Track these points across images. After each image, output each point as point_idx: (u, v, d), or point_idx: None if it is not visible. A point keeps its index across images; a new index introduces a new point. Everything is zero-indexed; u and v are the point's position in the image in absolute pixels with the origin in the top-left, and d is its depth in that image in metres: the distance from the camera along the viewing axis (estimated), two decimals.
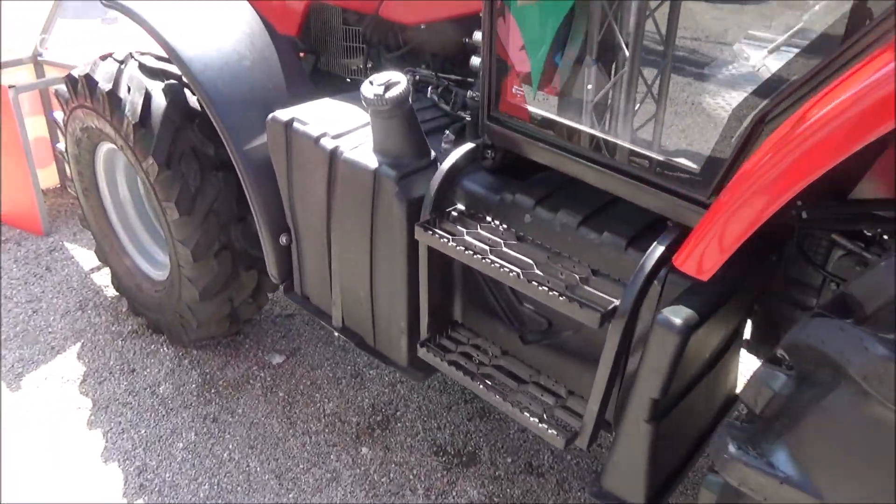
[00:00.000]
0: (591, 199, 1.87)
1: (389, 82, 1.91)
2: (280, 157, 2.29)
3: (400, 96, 1.91)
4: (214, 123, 2.40)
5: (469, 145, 2.01)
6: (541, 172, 2.05)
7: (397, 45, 2.80)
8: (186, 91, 2.68)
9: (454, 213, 1.98)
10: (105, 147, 3.01)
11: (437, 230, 1.89)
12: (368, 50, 2.86)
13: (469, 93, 2.25)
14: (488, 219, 1.95)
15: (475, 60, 2.38)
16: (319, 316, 2.49)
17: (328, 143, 2.12)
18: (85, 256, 3.82)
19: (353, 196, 2.09)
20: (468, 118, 2.25)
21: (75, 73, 2.82)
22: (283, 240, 2.49)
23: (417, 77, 2.51)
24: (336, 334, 2.72)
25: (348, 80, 2.94)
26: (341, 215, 2.16)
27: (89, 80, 2.71)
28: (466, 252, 1.81)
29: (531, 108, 1.85)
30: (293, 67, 2.61)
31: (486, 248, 1.82)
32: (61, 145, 3.29)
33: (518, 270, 1.73)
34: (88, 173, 3.15)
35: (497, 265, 1.76)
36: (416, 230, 1.91)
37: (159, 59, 2.79)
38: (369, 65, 2.81)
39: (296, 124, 2.21)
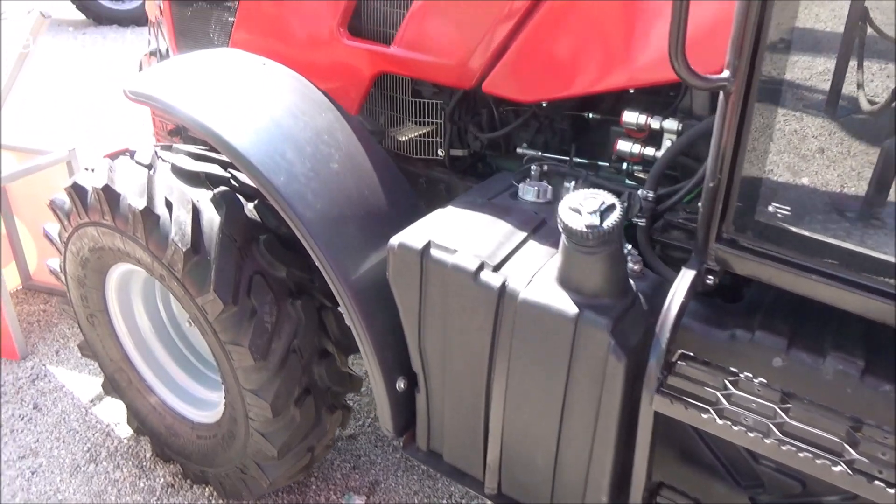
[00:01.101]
0: (852, 333, 1.48)
1: (603, 207, 1.43)
2: (409, 290, 1.76)
3: (619, 226, 1.43)
4: (309, 249, 1.84)
5: (689, 274, 1.55)
6: (747, 286, 1.65)
7: (493, 124, 2.32)
8: (240, 196, 2.12)
9: (682, 364, 1.52)
10: (121, 268, 2.38)
11: (686, 398, 1.43)
12: (452, 128, 2.36)
13: (643, 192, 1.79)
14: (731, 368, 1.50)
15: (626, 146, 1.94)
16: (456, 477, 1.97)
17: (493, 279, 1.61)
18: (77, 382, 3.12)
19: (538, 346, 1.60)
20: (641, 222, 1.80)
21: (84, 182, 2.19)
22: (400, 385, 1.95)
23: (545, 167, 2.04)
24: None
25: (414, 156, 2.44)
26: (515, 367, 1.66)
27: (109, 193, 2.09)
28: (743, 431, 1.36)
29: (790, 227, 1.41)
30: (382, 161, 2.08)
31: (767, 422, 1.38)
32: (54, 263, 2.61)
33: (842, 465, 1.29)
34: (96, 297, 2.50)
35: (802, 453, 1.31)
36: (656, 400, 1.44)
37: (197, 155, 2.20)
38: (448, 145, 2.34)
39: (436, 252, 1.69)
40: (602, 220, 1.42)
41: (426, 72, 2.21)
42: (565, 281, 1.56)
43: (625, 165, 2.03)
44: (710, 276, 1.57)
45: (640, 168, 2.01)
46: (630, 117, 1.90)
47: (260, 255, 2.05)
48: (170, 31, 2.97)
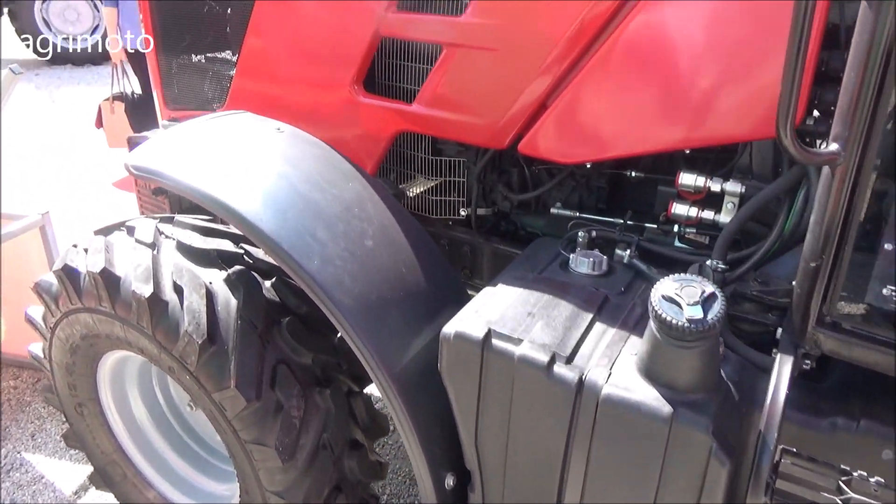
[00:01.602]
0: None
1: (704, 297, 1.28)
2: (466, 384, 1.57)
3: (723, 318, 1.28)
4: (349, 340, 1.63)
5: (787, 361, 1.41)
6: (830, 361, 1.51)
7: (524, 183, 2.17)
8: (256, 274, 1.91)
9: (787, 462, 1.37)
10: (116, 355, 2.13)
11: None
12: (480, 188, 2.21)
13: (712, 262, 1.65)
14: (842, 466, 1.35)
15: (682, 208, 1.81)
16: None
17: (568, 373, 1.44)
18: (59, 472, 2.81)
19: (623, 447, 1.42)
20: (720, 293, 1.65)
21: (76, 264, 1.95)
22: (449, 482, 1.75)
23: (594, 233, 1.89)
24: None
25: (433, 216, 2.28)
26: (595, 469, 1.48)
27: (108, 277, 1.86)
28: None
29: None
30: (416, 232, 1.90)
31: None
32: (37, 349, 2.34)
33: None
34: (85, 386, 2.24)
35: None
36: None
37: (206, 229, 1.98)
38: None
39: (499, 342, 1.51)
40: (705, 313, 1.26)
41: (453, 131, 2.05)
42: (653, 374, 1.39)
43: (676, 227, 1.90)
44: (807, 361, 1.43)
45: (693, 231, 1.89)
46: (687, 179, 1.77)
47: (283, 341, 1.84)
48: (156, 81, 2.75)
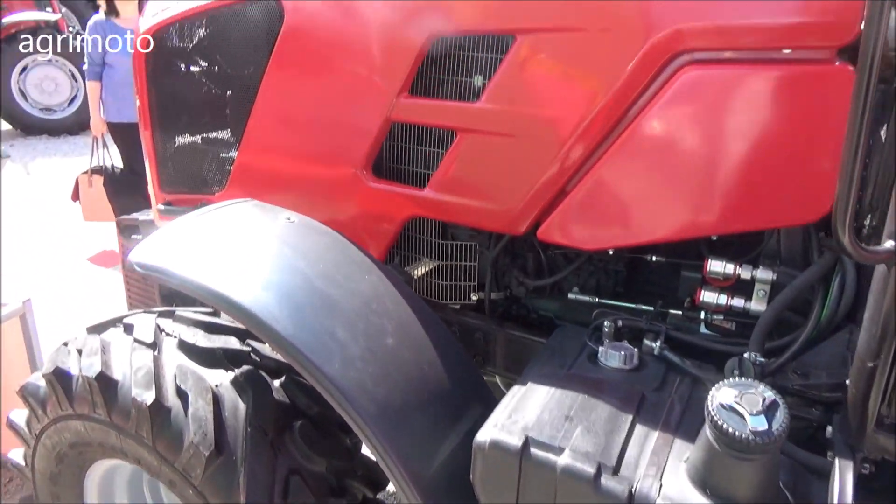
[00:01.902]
0: None
1: (766, 405, 1.20)
2: (503, 495, 1.46)
3: (787, 427, 1.20)
4: (371, 448, 1.51)
5: (846, 467, 1.33)
6: None
7: (540, 268, 2.11)
8: (264, 373, 1.79)
9: None
10: (106, 464, 1.97)
11: None
12: (494, 275, 2.13)
13: (751, 355, 1.59)
14: None
15: (712, 296, 1.75)
16: None
17: (616, 486, 1.33)
18: None
19: None
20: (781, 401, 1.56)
21: (68, 367, 1.81)
22: None
23: (620, 322, 1.81)
24: None
25: (442, 301, 2.19)
26: None
27: (105, 383, 1.72)
28: None
29: None
30: (434, 325, 1.81)
31: None
32: (17, 456, 2.16)
33: None
34: (71, 495, 2.06)
35: None
36: None
37: (210, 325, 1.87)
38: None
39: (538, 451, 1.40)
40: (770, 423, 1.18)
41: (468, 217, 1.99)
42: (709, 486, 1.30)
43: (703, 314, 1.84)
44: (866, 465, 1.35)
45: (720, 318, 1.83)
46: (716, 266, 1.72)
47: (295, 448, 1.71)
48: (150, 162, 2.66)
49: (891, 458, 1.31)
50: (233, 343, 1.84)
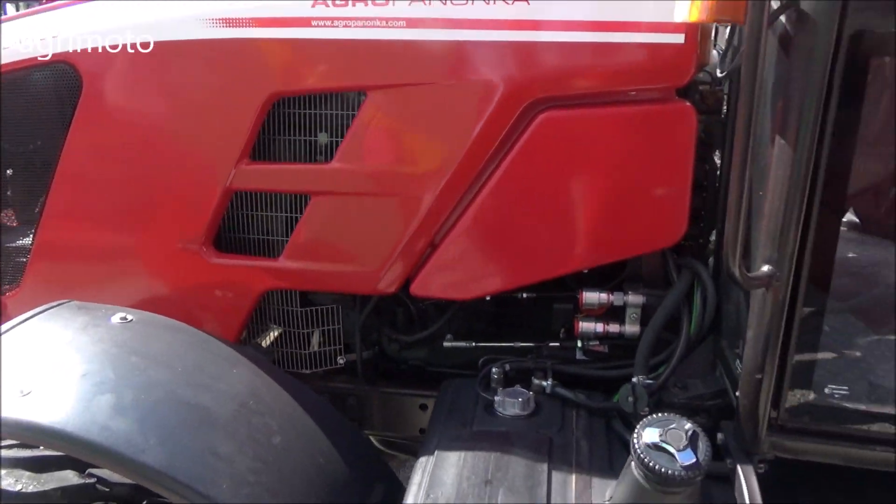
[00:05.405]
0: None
1: (689, 438, 1.23)
2: None
3: (710, 453, 1.24)
4: None
5: (749, 472, 1.41)
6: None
7: (410, 322, 2.02)
8: None
9: None
10: None
11: None
12: (361, 335, 2.00)
13: (639, 379, 1.64)
14: None
15: (589, 326, 1.81)
16: None
17: None
18: None
19: None
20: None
21: None
22: None
23: (507, 367, 1.79)
24: None
25: (307, 370, 2.03)
26: None
27: None
28: None
29: (850, 405, 1.36)
30: (317, 407, 1.64)
31: None
32: None
33: None
34: None
35: None
36: None
37: (36, 461, 1.52)
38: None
39: None
40: (696, 455, 1.21)
41: (332, 283, 1.86)
42: None
43: (579, 342, 1.88)
44: (762, 465, 1.46)
45: (596, 343, 1.89)
46: (591, 298, 1.78)
47: None
48: None
49: (783, 455, 1.43)
50: (70, 478, 1.51)
